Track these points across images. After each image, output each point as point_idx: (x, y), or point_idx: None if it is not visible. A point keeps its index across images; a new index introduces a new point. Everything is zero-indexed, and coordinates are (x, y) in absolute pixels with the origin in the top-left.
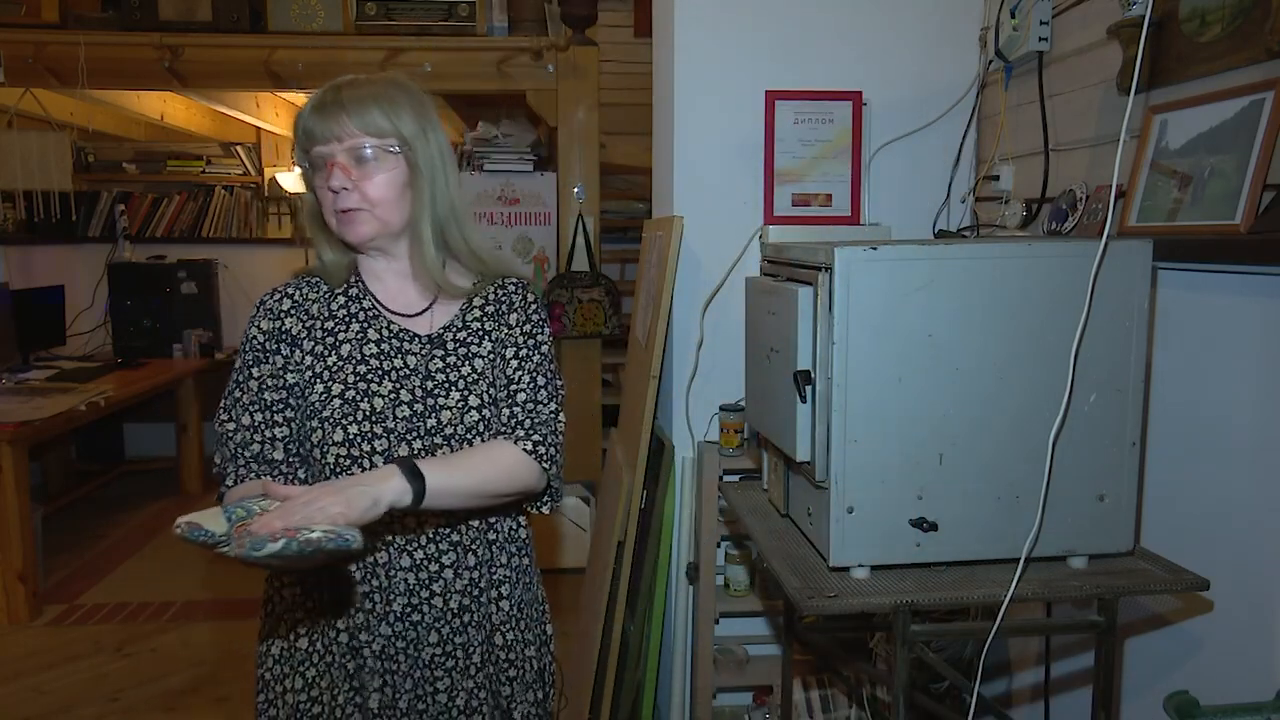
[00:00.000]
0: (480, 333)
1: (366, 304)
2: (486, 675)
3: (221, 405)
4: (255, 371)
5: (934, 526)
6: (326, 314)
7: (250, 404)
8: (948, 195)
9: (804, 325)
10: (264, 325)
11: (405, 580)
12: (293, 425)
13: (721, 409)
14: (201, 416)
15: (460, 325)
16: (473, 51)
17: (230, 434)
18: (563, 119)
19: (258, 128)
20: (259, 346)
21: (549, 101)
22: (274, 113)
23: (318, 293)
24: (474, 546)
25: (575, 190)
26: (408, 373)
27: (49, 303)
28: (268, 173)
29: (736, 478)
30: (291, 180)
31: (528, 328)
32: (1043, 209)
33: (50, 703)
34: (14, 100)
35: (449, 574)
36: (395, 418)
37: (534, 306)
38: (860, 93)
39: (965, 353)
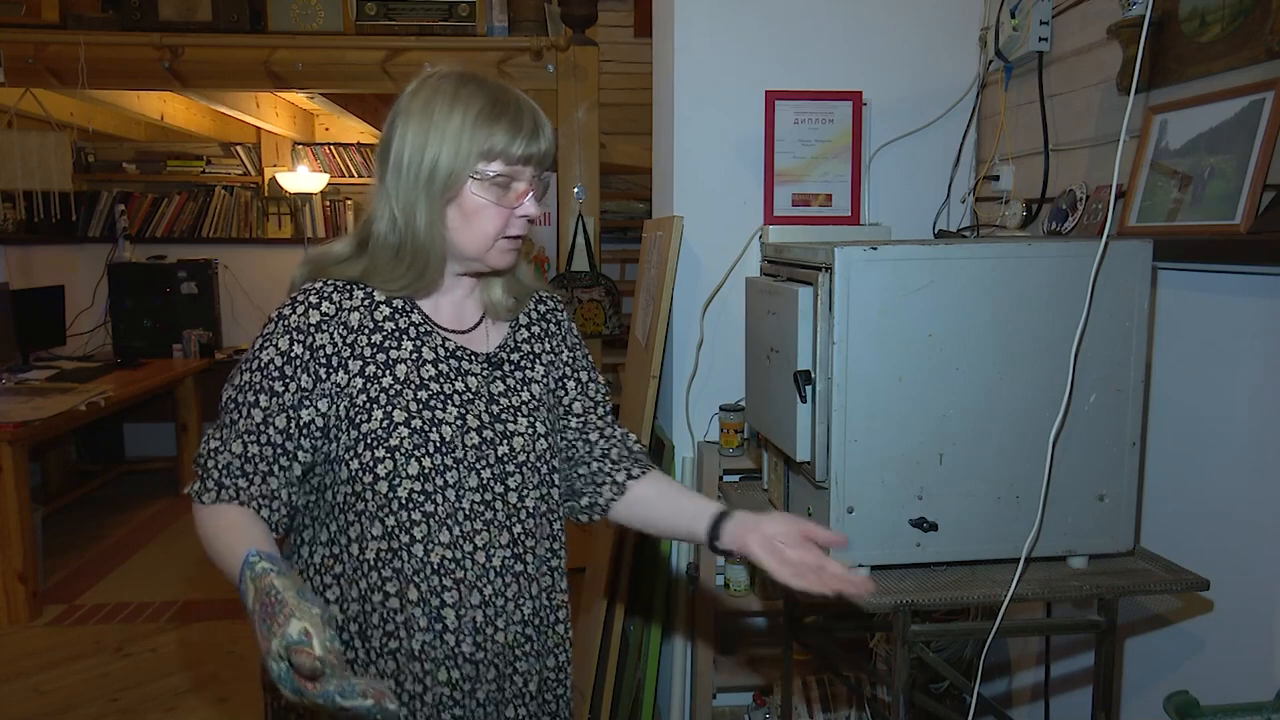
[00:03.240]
0: (532, 355)
1: (416, 318)
2: (540, 703)
3: (215, 425)
4: (263, 400)
5: (934, 526)
6: (371, 326)
7: (247, 433)
8: (948, 195)
9: (804, 325)
10: (283, 345)
11: (474, 619)
12: (314, 455)
13: (721, 409)
14: (201, 417)
15: (513, 346)
16: (473, 51)
17: (214, 452)
18: (563, 119)
19: (258, 128)
20: (275, 371)
21: (549, 101)
22: (274, 113)
23: (352, 300)
24: (538, 575)
25: (575, 190)
26: (470, 396)
27: (49, 303)
28: (268, 173)
29: (736, 478)
30: (291, 180)
31: (580, 350)
32: (1043, 209)
33: (50, 703)
34: (14, 100)
35: (510, 606)
36: (464, 446)
37: (572, 323)
38: (860, 93)
39: (965, 353)
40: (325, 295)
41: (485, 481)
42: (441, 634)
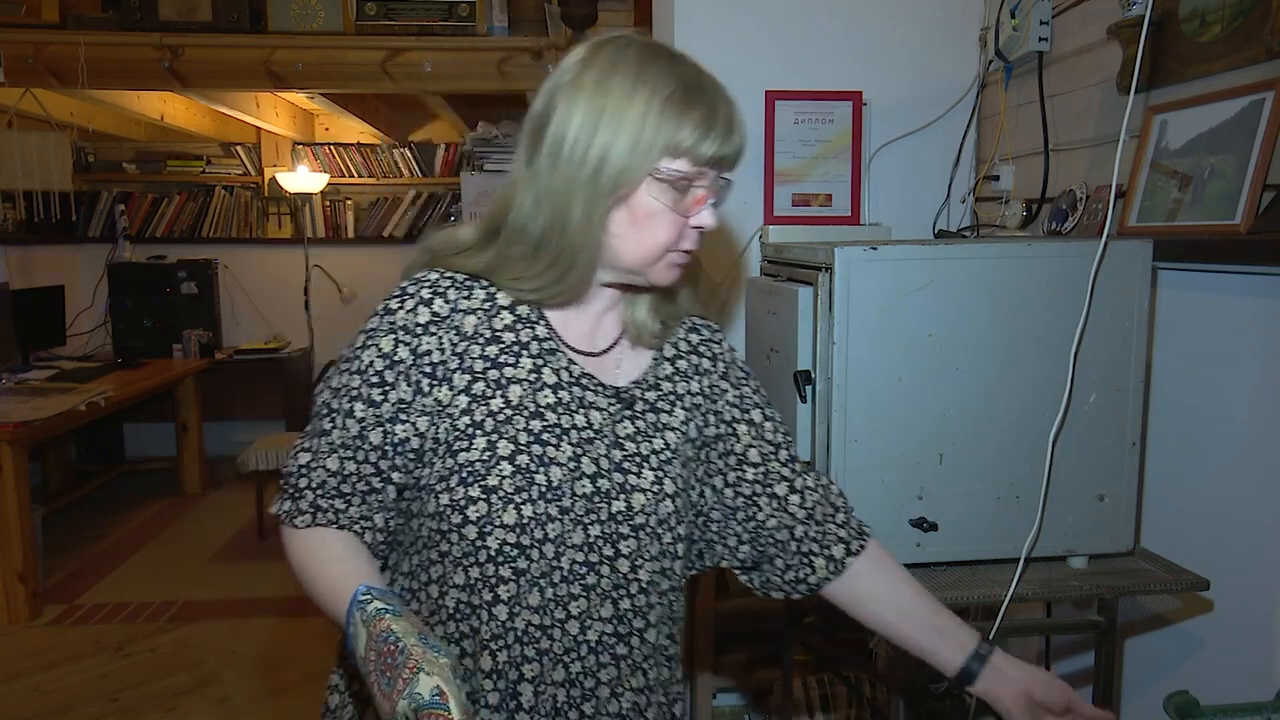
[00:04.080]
0: (672, 396)
1: (540, 331)
2: None
3: (305, 433)
4: (359, 409)
5: (934, 526)
6: (487, 335)
7: (343, 446)
8: (948, 195)
9: (804, 325)
10: (386, 346)
11: (553, 697)
12: (407, 478)
13: None
14: (201, 417)
15: (651, 383)
16: (473, 51)
17: (305, 469)
18: None
19: (258, 128)
20: (374, 376)
21: None
22: (274, 113)
23: (470, 300)
24: (644, 664)
25: None
26: (591, 435)
27: (49, 303)
28: (268, 173)
29: None
30: (291, 180)
31: (749, 384)
32: (1043, 209)
33: (50, 703)
34: (14, 100)
35: (604, 691)
36: (573, 495)
37: (734, 353)
38: (860, 93)
39: (965, 353)
40: (440, 291)
41: (592, 540)
42: (514, 713)
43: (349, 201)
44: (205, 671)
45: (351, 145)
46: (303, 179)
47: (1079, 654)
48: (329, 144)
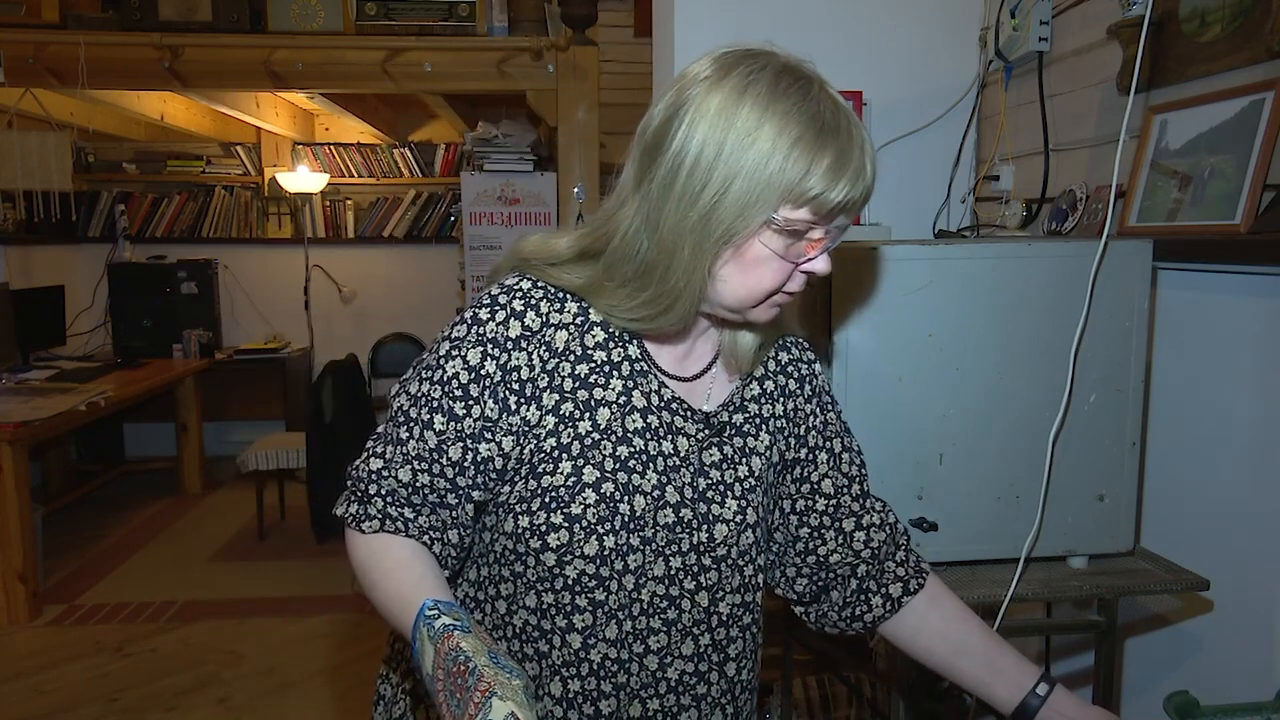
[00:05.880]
0: (758, 419)
1: (633, 351)
2: None
3: (378, 435)
4: (439, 422)
5: (934, 526)
6: (578, 353)
7: (417, 458)
8: (948, 195)
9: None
10: (473, 358)
11: None
12: (486, 494)
13: None
14: (201, 417)
15: (738, 405)
16: (473, 51)
17: (377, 475)
18: (563, 119)
19: (258, 128)
20: (458, 390)
21: (549, 101)
22: (274, 113)
23: (562, 314)
24: (722, 700)
25: (575, 190)
26: (677, 463)
27: (49, 303)
28: (268, 173)
29: None
30: (291, 180)
31: (833, 410)
32: (1043, 209)
33: (50, 703)
34: (14, 100)
35: None
36: (655, 525)
37: (823, 375)
38: (860, 93)
39: (965, 353)
40: (533, 304)
41: (674, 573)
42: None
43: (349, 201)
44: (205, 671)
45: (351, 145)
46: (303, 179)
47: (1079, 654)
48: (329, 144)
